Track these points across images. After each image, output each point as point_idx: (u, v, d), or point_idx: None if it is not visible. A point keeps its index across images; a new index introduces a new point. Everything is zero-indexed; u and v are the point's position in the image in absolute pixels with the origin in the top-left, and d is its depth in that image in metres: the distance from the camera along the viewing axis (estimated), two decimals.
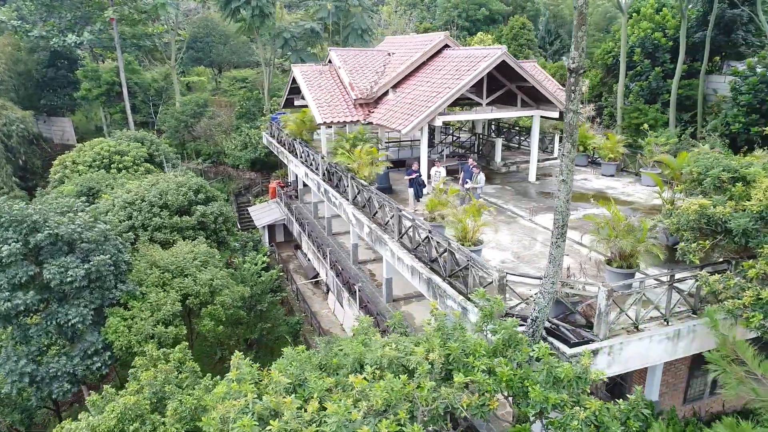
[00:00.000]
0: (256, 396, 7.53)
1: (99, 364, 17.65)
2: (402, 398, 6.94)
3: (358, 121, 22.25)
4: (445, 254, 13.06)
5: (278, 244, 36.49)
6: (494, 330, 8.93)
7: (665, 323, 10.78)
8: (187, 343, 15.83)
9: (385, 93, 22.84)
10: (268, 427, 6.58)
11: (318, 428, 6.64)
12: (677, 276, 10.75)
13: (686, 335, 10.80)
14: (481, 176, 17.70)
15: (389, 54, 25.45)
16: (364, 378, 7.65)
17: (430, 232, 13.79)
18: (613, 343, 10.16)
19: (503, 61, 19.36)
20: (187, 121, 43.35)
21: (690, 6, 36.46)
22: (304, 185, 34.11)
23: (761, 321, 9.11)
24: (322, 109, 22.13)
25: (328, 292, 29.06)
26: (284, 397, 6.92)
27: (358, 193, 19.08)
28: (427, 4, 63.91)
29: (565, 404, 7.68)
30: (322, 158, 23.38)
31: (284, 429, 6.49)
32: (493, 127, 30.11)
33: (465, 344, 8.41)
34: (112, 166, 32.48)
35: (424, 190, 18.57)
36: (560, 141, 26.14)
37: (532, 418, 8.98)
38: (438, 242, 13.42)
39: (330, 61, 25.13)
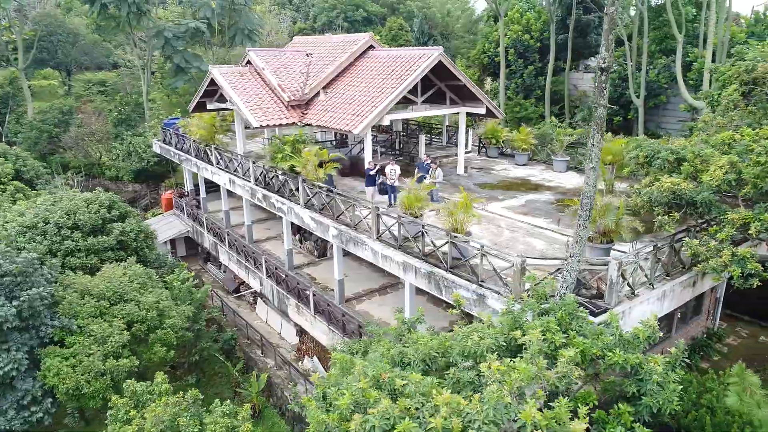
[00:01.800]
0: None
1: (40, 414, 15.35)
2: (533, 379, 7.39)
3: (293, 123, 21.76)
4: (445, 246, 13.62)
5: (182, 258, 33.94)
6: (552, 308, 9.71)
7: (651, 287, 12.52)
8: (164, 375, 14.41)
9: (316, 94, 22.63)
10: (431, 425, 6.62)
11: (469, 419, 6.82)
12: (658, 245, 12.54)
13: (669, 294, 12.66)
14: (439, 171, 18.52)
15: (308, 54, 25.17)
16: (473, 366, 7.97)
17: (423, 227, 14.24)
18: (624, 308, 11.57)
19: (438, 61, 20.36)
20: (50, 131, 38.21)
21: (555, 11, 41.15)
22: (207, 193, 32.31)
23: (739, 273, 11.09)
24: (255, 112, 21.24)
25: (255, 303, 27.95)
26: (438, 392, 6.98)
27: (313, 196, 18.76)
28: (296, 5, 63.42)
29: (640, 362, 8.69)
30: (254, 163, 22.46)
31: (447, 425, 6.59)
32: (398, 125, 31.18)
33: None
34: None
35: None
36: (472, 134, 28.08)
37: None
38: (432, 236, 13.93)
39: (248, 62, 24.11)
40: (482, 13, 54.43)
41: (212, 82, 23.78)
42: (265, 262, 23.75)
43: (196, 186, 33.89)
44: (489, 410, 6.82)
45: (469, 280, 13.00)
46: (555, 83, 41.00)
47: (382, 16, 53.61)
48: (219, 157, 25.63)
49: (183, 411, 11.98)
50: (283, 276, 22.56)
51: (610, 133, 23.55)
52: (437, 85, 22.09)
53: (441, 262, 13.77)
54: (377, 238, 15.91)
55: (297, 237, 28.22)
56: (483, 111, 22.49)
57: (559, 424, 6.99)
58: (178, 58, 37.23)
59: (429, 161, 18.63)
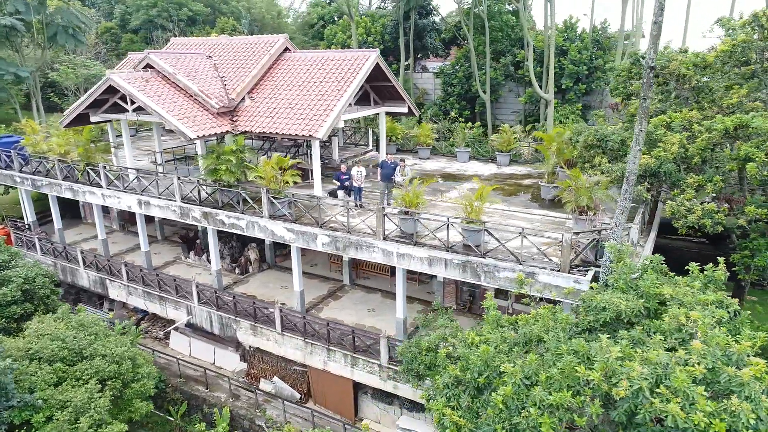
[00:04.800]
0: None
1: None
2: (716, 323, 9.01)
3: (227, 131, 19.97)
4: (482, 235, 14.59)
5: None
6: (638, 268, 11.51)
7: (642, 246, 15.35)
8: None
9: (242, 100, 21.08)
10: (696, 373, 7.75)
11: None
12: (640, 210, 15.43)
13: (649, 246, 15.67)
14: (408, 168, 19.10)
15: (209, 57, 23.11)
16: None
17: (448, 219, 14.93)
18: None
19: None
20: None
21: (390, 15, 44.03)
22: (63, 219, 27.46)
23: (710, 224, 14.41)
24: (185, 122, 18.90)
25: (167, 338, 24.74)
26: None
27: (282, 207, 17.75)
28: (91, 1, 55.64)
29: (721, 299, 10.95)
30: (179, 179, 20.02)
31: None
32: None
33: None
34: None
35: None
36: (370, 133, 29.02)
37: None
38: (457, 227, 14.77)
39: (149, 66, 21.11)
40: (307, 15, 55.02)
41: (107, 90, 20.30)
42: (197, 287, 21.40)
43: (37, 214, 28.44)
44: (716, 352, 8.23)
45: (513, 262, 14.18)
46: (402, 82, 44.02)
47: (205, 15, 50.31)
48: (109, 178, 22.02)
49: None
50: (229, 299, 20.69)
51: (517, 125, 26.80)
52: (364, 86, 22.50)
53: (476, 250, 14.66)
54: (384, 238, 16.01)
55: (204, 256, 25.84)
56: (405, 110, 23.69)
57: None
58: None
59: (392, 160, 19.08)
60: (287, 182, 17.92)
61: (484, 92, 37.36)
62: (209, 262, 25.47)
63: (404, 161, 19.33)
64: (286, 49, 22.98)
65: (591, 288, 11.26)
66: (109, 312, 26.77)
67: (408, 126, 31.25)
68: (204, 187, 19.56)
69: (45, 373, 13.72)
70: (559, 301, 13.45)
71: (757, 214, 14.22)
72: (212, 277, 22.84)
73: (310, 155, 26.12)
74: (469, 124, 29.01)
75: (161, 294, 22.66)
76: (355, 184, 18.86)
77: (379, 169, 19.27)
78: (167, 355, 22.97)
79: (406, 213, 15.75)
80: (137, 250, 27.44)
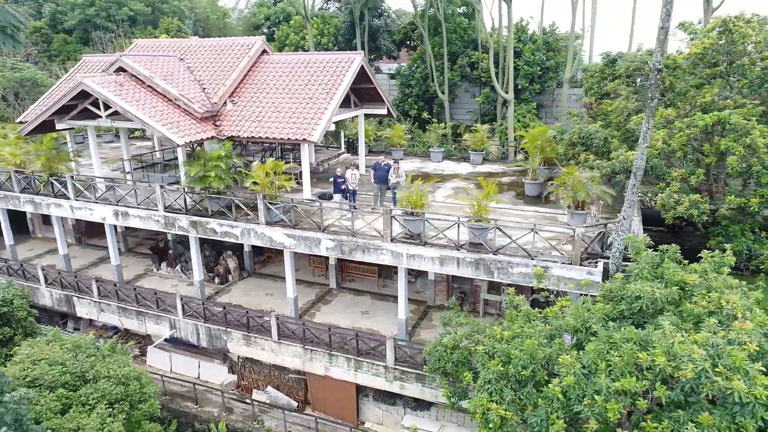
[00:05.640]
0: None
1: None
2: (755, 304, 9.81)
3: (212, 137, 19.28)
4: (488, 233, 14.97)
5: None
6: (653, 257, 12.28)
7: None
8: None
9: (224, 104, 20.41)
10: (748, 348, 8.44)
11: None
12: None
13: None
14: (402, 170, 19.22)
15: (181, 59, 22.20)
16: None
17: (459, 218, 15.22)
18: None
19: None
20: None
21: (341, 17, 43.94)
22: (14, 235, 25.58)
23: (697, 214, 15.57)
24: (169, 127, 18.07)
25: (143, 354, 23.56)
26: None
27: (281, 213, 17.40)
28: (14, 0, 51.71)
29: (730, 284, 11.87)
30: (161, 187, 19.12)
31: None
32: None
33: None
34: None
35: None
36: (342, 135, 29.00)
37: None
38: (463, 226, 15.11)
39: (121, 70, 19.97)
40: (252, 16, 53.75)
41: (78, 96, 19.05)
42: (181, 299, 20.54)
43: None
44: (759, 331, 9.00)
45: (525, 258, 14.67)
46: None
47: (145, 15, 48.00)
48: (78, 188, 20.69)
49: None
50: (219, 310, 20.01)
51: (484, 125, 27.48)
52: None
53: (487, 247, 15.04)
54: (392, 240, 16.09)
55: (178, 266, 24.83)
56: (384, 111, 23.81)
57: None
58: None
59: (385, 162, 19.15)
60: (283, 187, 17.59)
61: (443, 93, 38.09)
62: (184, 273, 24.56)
63: (398, 163, 19.45)
64: (264, 51, 22.48)
65: (615, 278, 11.90)
66: (74, 331, 25.13)
67: (376, 128, 31.35)
68: (189, 194, 18.81)
69: (49, 400, 12.78)
70: (563, 292, 14.11)
71: (736, 203, 15.51)
72: (193, 289, 22.08)
73: (290, 159, 25.82)
74: (441, 125, 29.48)
75: (139, 309, 21.55)
76: (350, 186, 18.79)
77: (372, 171, 19.30)
78: (148, 372, 21.83)
79: (412, 214, 15.93)
80: (100, 264, 26.00)
